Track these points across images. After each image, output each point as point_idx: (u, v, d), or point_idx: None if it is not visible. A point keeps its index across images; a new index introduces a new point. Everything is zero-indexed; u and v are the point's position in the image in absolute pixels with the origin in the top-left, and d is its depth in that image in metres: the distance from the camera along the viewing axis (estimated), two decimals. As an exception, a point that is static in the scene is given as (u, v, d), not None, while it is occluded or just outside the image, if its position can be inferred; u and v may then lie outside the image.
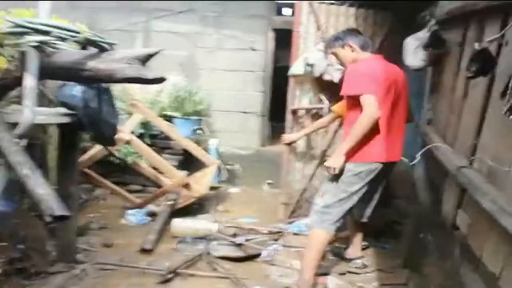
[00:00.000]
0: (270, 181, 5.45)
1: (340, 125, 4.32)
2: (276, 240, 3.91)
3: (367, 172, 2.99)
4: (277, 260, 3.55)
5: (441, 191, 2.65)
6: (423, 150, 2.70)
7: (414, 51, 3.02)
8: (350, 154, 2.94)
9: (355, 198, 3.04)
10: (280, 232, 4.05)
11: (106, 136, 3.19)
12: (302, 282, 3.11)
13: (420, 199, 3.26)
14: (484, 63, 1.87)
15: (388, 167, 3.09)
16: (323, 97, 4.30)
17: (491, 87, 2.01)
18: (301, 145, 4.37)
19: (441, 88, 2.98)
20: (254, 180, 5.48)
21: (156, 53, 2.46)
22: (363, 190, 3.04)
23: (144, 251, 3.60)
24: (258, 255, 3.61)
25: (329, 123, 4.18)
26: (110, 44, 2.56)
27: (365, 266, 3.49)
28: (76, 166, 3.34)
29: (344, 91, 3.01)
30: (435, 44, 2.82)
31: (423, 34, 2.96)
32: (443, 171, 2.51)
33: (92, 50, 2.54)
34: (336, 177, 3.01)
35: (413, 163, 2.82)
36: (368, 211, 3.39)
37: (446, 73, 2.89)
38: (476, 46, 1.90)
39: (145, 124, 4.86)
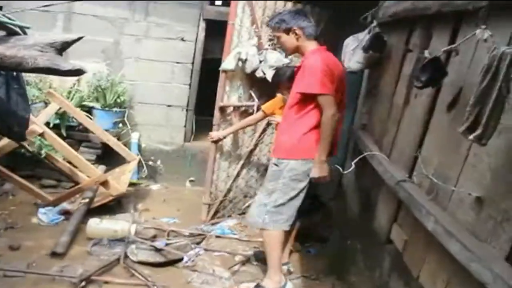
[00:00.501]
0: (192, 178, 5.27)
1: (268, 124, 4.26)
2: (198, 243, 3.76)
3: (311, 169, 2.91)
4: (199, 265, 3.41)
5: (375, 201, 2.63)
6: (358, 158, 2.66)
7: (352, 52, 2.97)
8: (295, 152, 2.90)
9: (302, 196, 2.99)
10: (202, 234, 3.91)
11: (15, 130, 2.87)
12: (275, 285, 3.07)
13: (349, 204, 3.26)
14: (435, 73, 1.79)
15: None
16: (253, 95, 4.19)
17: (437, 97, 1.97)
18: (227, 143, 4.25)
19: (378, 93, 2.96)
20: (176, 177, 5.27)
21: (75, 40, 2.22)
22: (307, 187, 2.99)
23: (55, 254, 3.32)
24: (179, 260, 3.44)
25: (258, 121, 4.09)
26: (22, 27, 2.29)
27: (290, 272, 3.43)
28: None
29: (301, 88, 2.85)
30: (375, 47, 2.77)
31: (363, 36, 2.90)
32: (378, 181, 2.49)
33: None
34: (280, 175, 2.94)
35: (346, 172, 2.78)
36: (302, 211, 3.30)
37: (384, 78, 2.86)
38: (427, 54, 1.83)
39: (62, 115, 4.51)
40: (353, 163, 2.65)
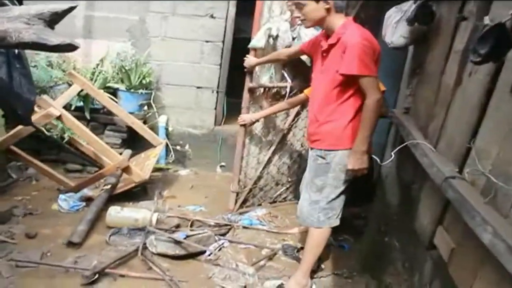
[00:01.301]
0: (223, 163, 4.99)
1: (303, 106, 3.91)
2: (223, 234, 3.49)
3: None
4: (222, 259, 3.14)
5: (416, 198, 2.25)
6: (399, 147, 2.27)
7: (395, 25, 2.55)
8: (342, 141, 2.62)
9: (349, 186, 2.77)
10: (228, 225, 3.62)
11: (20, 113, 2.66)
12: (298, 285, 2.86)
13: (388, 197, 2.88)
14: (497, 44, 1.39)
15: None
16: (286, 75, 3.84)
17: (498, 75, 1.56)
18: (258, 127, 3.92)
19: (424, 72, 2.54)
20: (206, 162, 5.01)
21: (66, 11, 1.93)
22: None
23: (72, 244, 3.13)
24: (201, 252, 3.18)
25: (297, 105, 3.78)
26: (9, -4, 2.04)
27: (321, 268, 3.12)
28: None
29: (342, 69, 2.49)
30: (421, 18, 2.35)
31: (408, 6, 2.47)
32: (421, 174, 2.11)
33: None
34: (329, 169, 2.68)
35: (385, 163, 2.39)
36: None
37: (432, 54, 2.44)
38: (487, 21, 1.42)
39: (85, 97, 4.31)
40: (392, 153, 2.27)
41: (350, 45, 2.46)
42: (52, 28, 1.95)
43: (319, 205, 2.77)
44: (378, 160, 2.58)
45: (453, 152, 1.85)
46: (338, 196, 2.75)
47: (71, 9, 1.96)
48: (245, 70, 3.67)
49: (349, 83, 2.53)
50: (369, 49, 2.47)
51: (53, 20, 1.90)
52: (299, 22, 3.51)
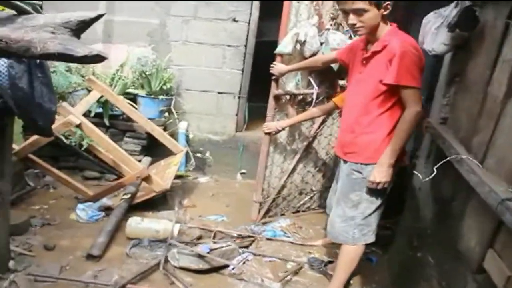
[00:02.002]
0: (244, 170, 4.87)
1: (329, 114, 3.77)
2: (246, 246, 3.36)
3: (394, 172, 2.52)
4: (247, 273, 3.01)
5: (459, 215, 2.10)
6: (442, 162, 2.12)
7: (436, 32, 2.39)
8: (380, 154, 2.45)
9: (384, 201, 2.63)
10: (252, 236, 3.49)
11: (41, 124, 2.55)
12: None
13: (421, 210, 2.72)
14: None
15: None
16: (313, 81, 3.70)
17: None
18: (282, 135, 3.78)
19: (465, 81, 2.38)
20: (226, 169, 4.89)
21: (94, 19, 1.82)
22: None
23: (91, 257, 3.03)
24: (225, 266, 3.06)
25: (326, 113, 3.63)
26: (33, 5, 1.93)
27: (349, 284, 2.97)
28: (6, 157, 2.69)
29: (388, 78, 2.35)
30: (464, 24, 2.19)
31: (449, 11, 2.31)
32: (466, 191, 1.96)
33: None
34: (365, 183, 2.53)
35: (427, 179, 2.24)
36: None
37: (474, 62, 2.28)
38: None
39: (104, 103, 4.21)
40: (434, 169, 2.12)
41: (399, 53, 2.31)
42: (79, 37, 1.84)
43: (355, 221, 2.62)
44: (420, 176, 2.42)
45: (505, 169, 1.71)
46: (374, 212, 2.61)
47: (99, 17, 1.85)
48: (273, 78, 3.53)
49: (392, 93, 2.39)
50: (417, 58, 2.33)
51: (80, 28, 1.79)
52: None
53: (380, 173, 2.43)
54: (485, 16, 2.20)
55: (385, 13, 2.39)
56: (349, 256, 2.71)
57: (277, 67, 3.46)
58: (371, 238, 2.68)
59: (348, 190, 2.64)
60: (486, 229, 1.78)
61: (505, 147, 1.75)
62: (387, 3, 2.36)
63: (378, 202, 2.58)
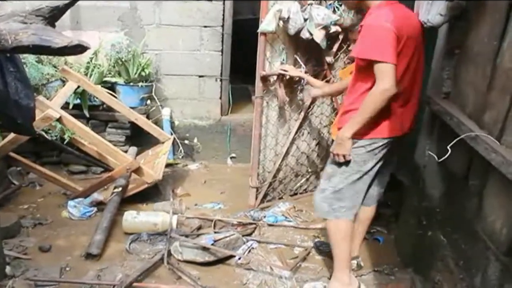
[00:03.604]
0: (233, 155, 4.78)
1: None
2: (249, 234, 3.31)
3: (381, 148, 2.48)
4: (254, 263, 2.95)
5: (477, 196, 2.07)
6: (455, 140, 2.08)
7: (431, 2, 2.33)
8: (363, 129, 2.40)
9: (368, 179, 2.57)
10: (253, 223, 3.42)
11: (20, 123, 2.39)
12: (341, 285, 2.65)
13: (428, 189, 2.71)
14: None
15: (400, 140, 2.57)
16: (299, 60, 3.61)
17: None
18: (273, 117, 3.70)
19: (467, 53, 2.32)
20: (216, 154, 4.80)
21: (69, 4, 1.67)
22: (376, 168, 2.55)
23: (91, 256, 2.92)
24: (231, 256, 3.00)
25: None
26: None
27: (360, 267, 2.95)
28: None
29: (356, 52, 2.37)
30: None
31: None
32: (484, 170, 1.94)
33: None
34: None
35: (442, 159, 2.20)
36: (381, 193, 2.83)
37: (476, 32, 2.21)
38: None
39: (82, 94, 4.02)
40: (449, 148, 2.08)
41: (364, 26, 2.32)
42: (53, 26, 1.68)
43: (325, 194, 2.59)
44: (436, 157, 2.37)
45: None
46: (346, 187, 2.54)
47: (74, 2, 1.69)
48: (262, 75, 3.46)
49: (370, 71, 2.31)
50: (388, 33, 2.23)
51: (53, 16, 1.63)
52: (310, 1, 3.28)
53: (337, 145, 2.45)
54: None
55: None
56: (330, 230, 2.65)
57: (312, 91, 3.34)
58: (344, 215, 2.58)
59: (328, 162, 2.65)
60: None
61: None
62: None
63: (352, 177, 2.52)
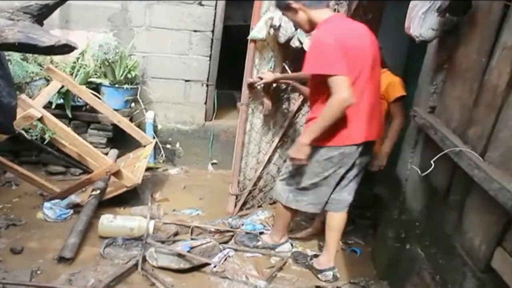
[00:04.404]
0: (215, 161, 4.75)
1: (304, 101, 3.70)
2: (226, 242, 3.27)
3: (340, 156, 2.66)
4: (230, 271, 2.91)
5: (457, 210, 2.06)
6: (440, 155, 2.07)
7: (423, 16, 2.32)
8: (320, 137, 2.56)
9: (332, 181, 2.77)
10: (230, 231, 3.38)
11: (1, 121, 2.34)
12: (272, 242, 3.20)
13: (408, 202, 2.70)
14: None
15: (366, 148, 2.72)
16: (287, 68, 3.59)
17: None
18: (257, 125, 3.67)
19: (455, 68, 2.32)
20: (197, 160, 4.75)
21: (59, 2, 1.63)
22: (340, 172, 2.74)
23: (63, 259, 2.85)
24: (206, 264, 2.96)
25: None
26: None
27: (336, 278, 2.94)
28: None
29: (306, 68, 2.56)
30: (455, 8, 2.12)
31: None
32: (467, 185, 1.92)
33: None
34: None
35: (425, 173, 2.19)
36: (349, 198, 2.91)
37: (466, 48, 2.20)
38: None
39: (65, 94, 3.96)
40: (432, 162, 2.07)
41: (311, 42, 2.54)
42: (41, 24, 1.65)
43: (290, 187, 2.86)
44: (419, 171, 2.37)
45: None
46: (310, 186, 2.78)
47: (64, 0, 1.66)
48: (249, 82, 3.45)
49: (325, 83, 2.45)
50: (333, 47, 2.40)
51: (42, 14, 1.60)
52: None
53: (295, 150, 2.61)
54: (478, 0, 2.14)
55: (297, 13, 2.63)
56: (279, 210, 3.06)
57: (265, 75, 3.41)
58: (305, 208, 2.88)
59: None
60: (494, 226, 1.74)
61: (510, 141, 1.70)
62: (291, 7, 2.62)
63: (313, 179, 2.74)
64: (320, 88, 2.53)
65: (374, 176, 3.42)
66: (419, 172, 2.33)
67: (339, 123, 2.51)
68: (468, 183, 1.91)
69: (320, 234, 3.28)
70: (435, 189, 2.33)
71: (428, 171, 2.12)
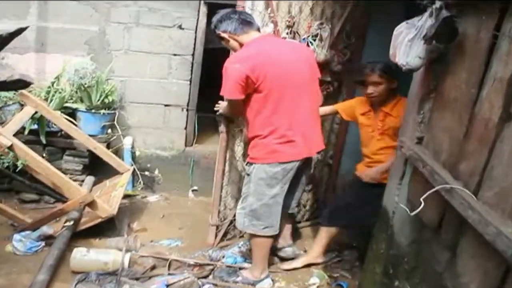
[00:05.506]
0: (195, 187, 4.60)
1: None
2: (206, 276, 3.11)
3: (282, 172, 2.80)
4: (209, 309, 2.78)
5: (449, 252, 1.95)
6: (429, 192, 1.97)
7: (409, 44, 2.24)
8: (262, 155, 2.79)
9: (279, 200, 2.89)
10: (210, 264, 3.24)
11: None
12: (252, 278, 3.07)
13: (396, 236, 2.59)
14: None
15: (306, 161, 2.94)
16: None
17: None
18: (239, 152, 3.55)
19: (442, 97, 2.23)
20: (177, 186, 4.60)
21: (14, 33, 1.53)
22: (285, 188, 2.88)
23: (31, 298, 2.69)
24: (183, 302, 2.82)
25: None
26: None
27: (296, 254, 3.33)
28: None
29: (222, 91, 2.75)
30: (442, 36, 2.04)
31: (423, 21, 2.15)
32: (460, 225, 1.82)
33: None
34: (250, 179, 2.88)
35: (414, 213, 2.08)
36: (293, 203, 3.21)
37: (454, 78, 2.12)
38: None
39: (39, 119, 3.82)
40: (422, 200, 1.97)
41: (224, 68, 2.70)
42: None
43: (244, 211, 2.92)
44: (408, 210, 2.26)
45: (510, 206, 1.56)
46: (261, 207, 2.85)
47: (21, 30, 1.56)
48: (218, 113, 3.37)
49: (245, 102, 2.75)
50: (234, 72, 2.60)
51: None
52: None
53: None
54: (464, 27, 2.07)
55: (225, 35, 2.80)
56: (252, 241, 3.05)
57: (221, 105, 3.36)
58: (263, 232, 2.91)
59: (244, 183, 3.01)
60: (491, 273, 1.63)
61: (506, 180, 1.59)
62: (221, 35, 2.83)
63: (263, 200, 2.84)
64: (244, 107, 2.80)
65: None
66: (408, 211, 2.22)
67: (278, 139, 2.73)
68: (461, 222, 1.80)
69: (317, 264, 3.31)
70: (423, 226, 2.23)
71: (417, 210, 2.01)
